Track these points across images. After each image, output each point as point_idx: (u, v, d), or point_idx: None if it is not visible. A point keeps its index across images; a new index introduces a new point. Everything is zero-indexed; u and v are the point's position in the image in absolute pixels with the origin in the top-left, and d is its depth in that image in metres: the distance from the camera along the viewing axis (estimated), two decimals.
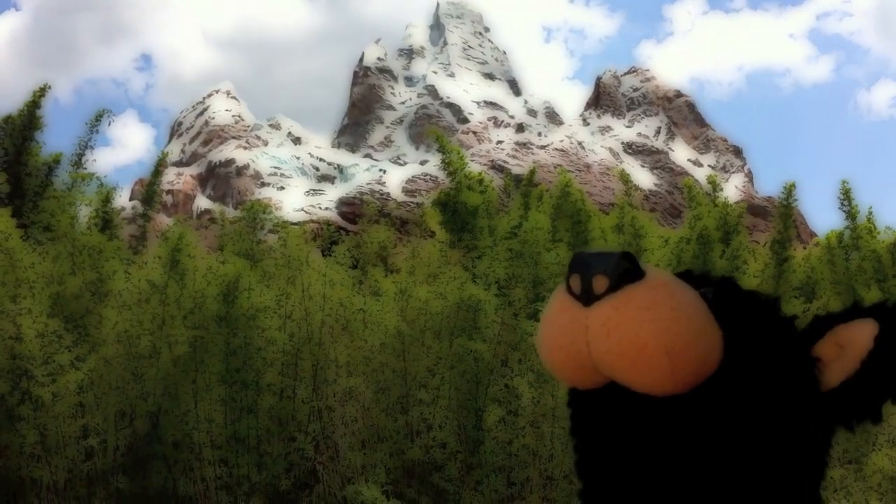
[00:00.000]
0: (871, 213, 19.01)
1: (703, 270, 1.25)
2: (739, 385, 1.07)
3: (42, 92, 19.46)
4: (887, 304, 1.14)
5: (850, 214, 18.96)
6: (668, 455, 1.08)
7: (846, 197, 19.05)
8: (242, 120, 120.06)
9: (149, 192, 22.75)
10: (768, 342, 1.11)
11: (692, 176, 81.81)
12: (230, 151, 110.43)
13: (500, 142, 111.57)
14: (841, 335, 1.14)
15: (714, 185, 23.50)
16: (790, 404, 1.09)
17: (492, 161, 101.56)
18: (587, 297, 1.04)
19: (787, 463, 1.09)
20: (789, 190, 18.65)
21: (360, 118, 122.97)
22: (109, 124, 20.98)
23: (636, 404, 1.07)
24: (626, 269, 1.03)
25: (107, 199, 17.82)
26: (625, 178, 26.28)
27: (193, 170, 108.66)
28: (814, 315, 1.19)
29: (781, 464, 1.09)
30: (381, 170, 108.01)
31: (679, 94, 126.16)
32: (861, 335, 1.12)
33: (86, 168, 19.16)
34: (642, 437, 1.10)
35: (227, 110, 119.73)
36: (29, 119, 19.03)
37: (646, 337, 1.01)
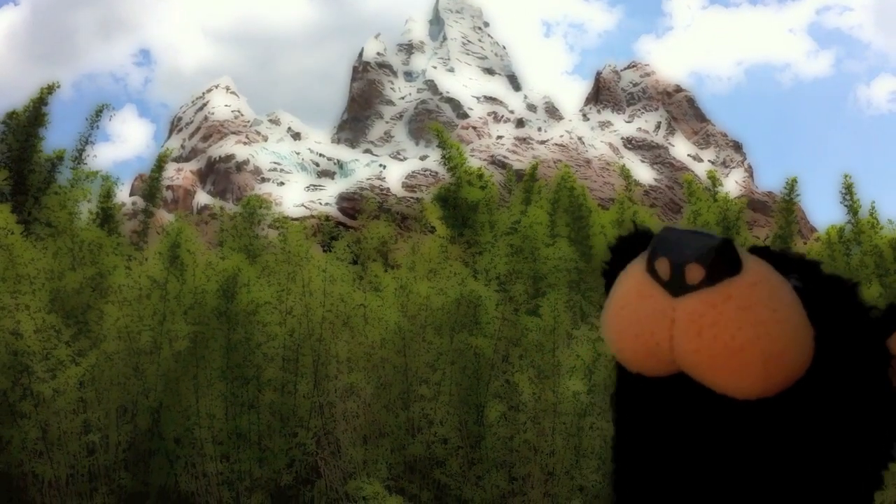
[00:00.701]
0: (873, 207, 18.89)
1: (782, 249, 1.13)
2: (828, 389, 0.99)
3: (50, 89, 19.56)
4: None
5: (852, 209, 18.84)
6: (734, 455, 1.00)
7: (848, 191, 18.93)
8: (242, 115, 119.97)
9: (151, 187, 22.77)
10: (857, 339, 1.01)
11: (692, 171, 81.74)
12: (230, 147, 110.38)
13: (499, 137, 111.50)
14: None
15: (714, 180, 23.47)
16: (870, 406, 1.01)
17: (492, 156, 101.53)
18: (677, 287, 0.94)
19: (852, 466, 1.02)
20: (791, 185, 18.65)
21: (359, 113, 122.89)
22: (110, 119, 20.96)
23: (709, 400, 0.98)
24: (727, 260, 0.93)
25: (108, 195, 17.83)
26: (625, 173, 26.25)
27: (193, 165, 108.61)
28: (889, 303, 1.08)
29: (846, 467, 1.01)
30: (380, 165, 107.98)
31: (679, 89, 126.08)
32: None
33: (86, 164, 19.20)
34: (709, 434, 1.01)
35: (226, 105, 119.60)
36: (34, 116, 19.09)
37: (743, 341, 0.92)
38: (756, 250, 1.07)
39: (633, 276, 0.99)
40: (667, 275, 0.94)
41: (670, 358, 0.96)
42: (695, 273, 0.93)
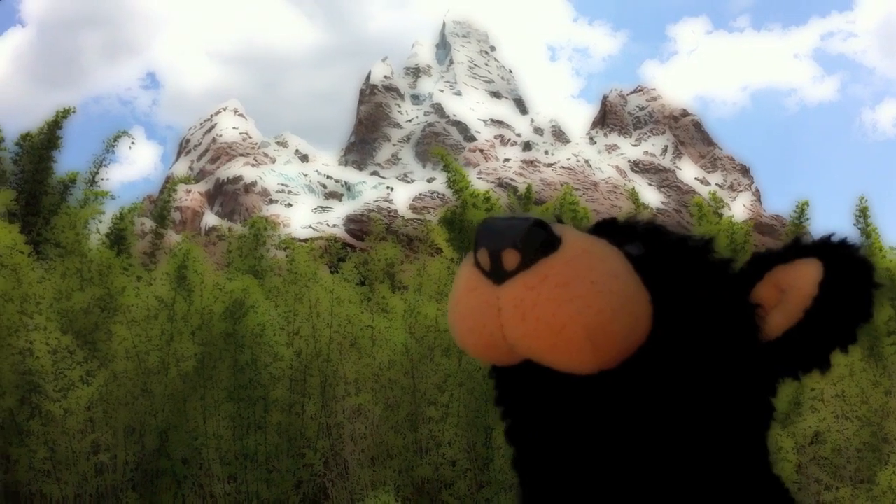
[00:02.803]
0: (875, 231, 18.80)
1: (629, 217, 1.11)
2: (671, 353, 0.96)
3: (65, 113, 19.89)
4: (832, 241, 1.01)
5: (866, 232, 18.72)
6: (600, 429, 0.98)
7: (862, 214, 18.77)
8: (250, 137, 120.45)
9: (161, 209, 22.91)
10: (700, 298, 0.99)
11: (699, 195, 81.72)
12: (238, 168, 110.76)
13: (506, 160, 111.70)
14: (781, 277, 1.02)
15: (717, 201, 23.44)
16: (730, 360, 0.98)
17: (499, 179, 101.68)
18: (498, 275, 0.93)
19: (730, 420, 0.99)
20: (802, 208, 18.62)
21: (367, 136, 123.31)
22: (130, 147, 21.36)
23: (560, 381, 0.96)
24: (540, 240, 0.92)
25: (122, 217, 17.98)
26: (634, 196, 26.32)
27: (201, 187, 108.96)
28: (752, 254, 1.06)
29: (723, 422, 0.98)
30: (388, 187, 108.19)
31: (685, 113, 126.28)
32: (804, 279, 1.00)
33: (99, 185, 19.36)
34: (569, 413, 0.99)
35: (234, 128, 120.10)
36: (48, 138, 19.34)
37: (564, 318, 0.90)
38: (602, 224, 1.09)
39: (463, 270, 0.98)
40: (487, 265, 0.93)
41: (509, 347, 0.94)
42: (511, 258, 0.92)
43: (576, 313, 0.90)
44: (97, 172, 19.66)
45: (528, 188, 24.28)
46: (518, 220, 0.93)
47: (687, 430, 0.98)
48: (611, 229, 1.07)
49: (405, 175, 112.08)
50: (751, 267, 1.05)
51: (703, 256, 1.05)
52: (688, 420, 0.98)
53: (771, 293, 1.02)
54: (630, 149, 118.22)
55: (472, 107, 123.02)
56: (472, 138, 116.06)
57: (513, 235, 0.91)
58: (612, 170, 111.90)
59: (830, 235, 1.03)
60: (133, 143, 21.32)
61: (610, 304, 0.91)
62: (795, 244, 1.04)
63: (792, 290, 1.01)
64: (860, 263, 1.00)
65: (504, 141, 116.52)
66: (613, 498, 0.99)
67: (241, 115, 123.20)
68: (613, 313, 0.91)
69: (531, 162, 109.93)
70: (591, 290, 0.91)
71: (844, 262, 1.00)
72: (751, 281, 1.03)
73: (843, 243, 1.02)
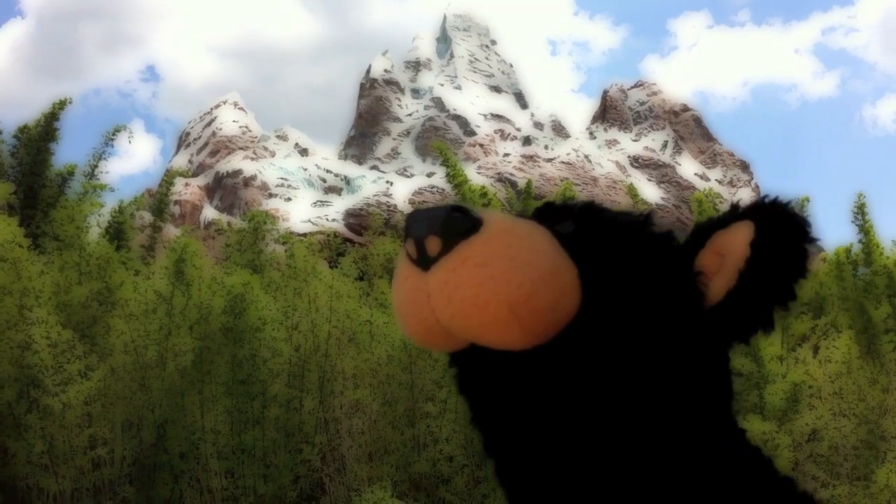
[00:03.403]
0: (873, 227, 18.78)
1: (566, 200, 1.16)
2: (603, 324, 0.97)
3: (62, 105, 19.82)
4: (764, 203, 1.04)
5: (864, 229, 18.70)
6: (546, 404, 1.00)
7: (860, 211, 18.78)
8: (250, 131, 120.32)
9: (160, 203, 22.88)
10: (632, 269, 1.01)
11: (699, 190, 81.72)
12: (237, 162, 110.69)
13: (506, 154, 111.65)
14: (720, 243, 1.04)
15: (713, 197, 23.44)
16: (669, 327, 1.00)
17: (499, 174, 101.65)
18: (423, 261, 0.97)
19: (680, 388, 1.00)
20: (801, 205, 18.60)
21: (366, 130, 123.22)
22: (129, 142, 21.20)
23: (503, 360, 0.99)
24: (460, 224, 0.95)
25: (121, 210, 17.95)
26: (632, 192, 26.32)
27: (201, 180, 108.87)
28: (694, 225, 1.09)
29: (672, 391, 0.99)
30: (387, 181, 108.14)
31: (686, 108, 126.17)
32: (738, 241, 1.03)
33: (98, 179, 19.31)
34: (516, 391, 1.01)
35: (234, 121, 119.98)
36: (45, 130, 19.28)
37: (486, 296, 0.93)
38: (540, 208, 1.11)
39: (398, 261, 1.02)
40: (414, 253, 0.97)
41: (443, 330, 0.97)
42: (433, 245, 0.95)
43: (497, 290, 0.93)
44: (96, 165, 19.60)
45: (529, 183, 24.28)
46: (439, 208, 0.97)
47: (635, 400, 0.98)
48: (548, 213, 1.09)
49: (405, 169, 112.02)
50: (693, 237, 1.08)
51: (639, 230, 1.06)
52: (634, 389, 0.98)
53: (712, 259, 1.04)
54: (630, 144, 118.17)
55: (472, 101, 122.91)
56: (472, 133, 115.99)
57: (434, 223, 0.95)
58: (612, 165, 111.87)
59: (765, 197, 1.06)
60: (132, 137, 21.25)
61: (530, 278, 0.94)
62: (732, 209, 1.07)
63: (729, 254, 1.03)
64: (790, 220, 1.03)
65: (504, 135, 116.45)
66: (576, 473, 1.01)
67: (241, 108, 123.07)
68: (534, 286, 0.94)
69: (531, 157, 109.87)
70: (510, 266, 0.94)
71: (774, 221, 1.03)
72: (693, 250, 1.06)
73: (774, 203, 1.05)
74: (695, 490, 0.98)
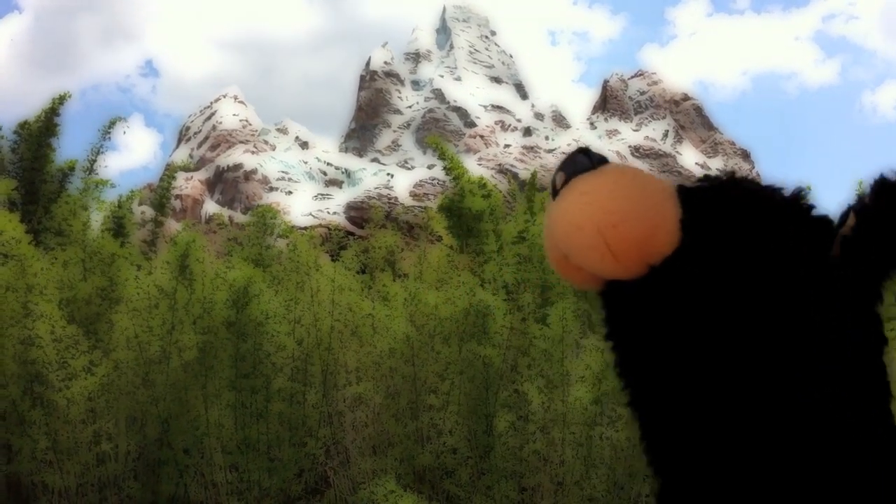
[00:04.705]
0: None
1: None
2: (697, 266, 1.03)
3: (62, 100, 19.87)
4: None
5: None
6: (662, 342, 1.05)
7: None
8: (250, 124, 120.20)
9: (161, 197, 22.89)
10: (738, 223, 1.06)
11: None
12: (238, 156, 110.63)
13: (507, 146, 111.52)
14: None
15: None
16: (778, 284, 1.02)
17: (499, 165, 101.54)
18: (554, 194, 1.08)
19: (811, 350, 1.00)
20: (804, 192, 18.60)
21: (367, 122, 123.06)
22: (124, 133, 21.20)
23: (628, 297, 1.07)
24: (579, 163, 1.06)
25: (120, 205, 17.95)
26: None
27: (201, 174, 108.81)
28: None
29: (800, 349, 1.00)
30: (388, 174, 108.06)
31: (686, 98, 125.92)
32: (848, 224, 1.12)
33: (97, 173, 19.32)
34: (637, 329, 1.08)
35: (234, 115, 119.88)
36: (46, 126, 19.31)
37: (581, 218, 1.03)
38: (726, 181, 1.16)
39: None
40: (551, 188, 1.09)
41: (564, 256, 1.08)
42: (559, 179, 1.08)
43: (591, 214, 1.03)
44: (95, 160, 19.63)
45: (533, 175, 24.18)
46: (574, 151, 1.09)
47: (746, 348, 1.00)
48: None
49: (405, 162, 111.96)
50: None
51: (768, 199, 1.12)
52: (739, 336, 1.00)
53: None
54: (631, 134, 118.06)
55: (472, 92, 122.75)
56: (472, 124, 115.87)
57: (563, 162, 1.09)
58: (613, 155, 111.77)
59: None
60: (127, 129, 21.24)
61: (621, 207, 1.03)
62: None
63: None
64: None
65: (504, 127, 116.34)
66: (709, 426, 1.03)
67: (241, 102, 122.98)
68: (625, 215, 1.02)
69: (531, 148, 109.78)
70: (609, 196, 1.04)
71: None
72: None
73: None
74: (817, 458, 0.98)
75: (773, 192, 1.13)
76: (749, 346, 1.00)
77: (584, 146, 1.09)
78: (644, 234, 1.02)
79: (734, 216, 1.05)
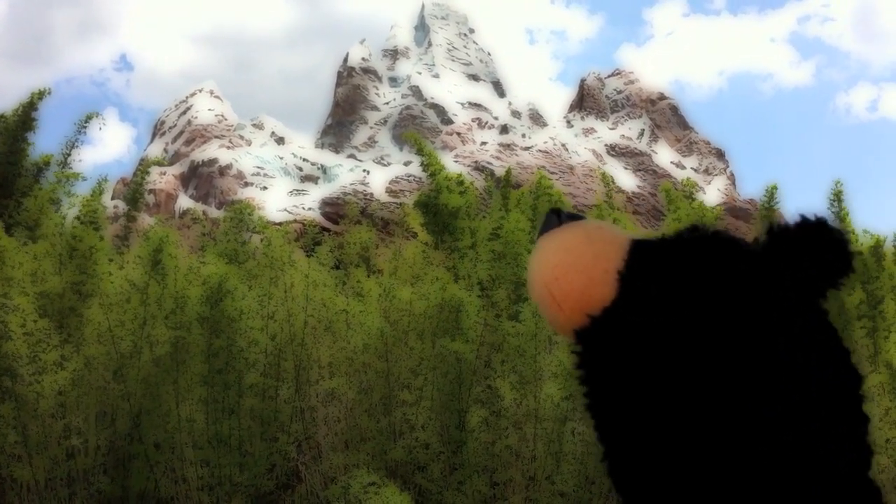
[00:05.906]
0: (848, 214, 18.85)
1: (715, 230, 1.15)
2: (636, 314, 1.03)
3: (41, 95, 19.86)
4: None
5: (840, 216, 18.74)
6: (601, 392, 1.07)
7: (836, 198, 18.74)
8: (226, 119, 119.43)
9: (134, 192, 22.74)
10: (679, 278, 1.03)
11: (675, 178, 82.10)
12: (213, 151, 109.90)
13: (483, 143, 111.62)
14: None
15: (690, 185, 23.52)
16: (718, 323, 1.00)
17: (476, 162, 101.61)
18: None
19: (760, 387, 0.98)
20: (771, 192, 18.77)
21: (343, 118, 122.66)
22: (100, 129, 21.07)
23: (584, 345, 1.09)
24: (548, 222, 1.12)
25: (92, 198, 17.80)
26: (606, 180, 26.39)
27: (176, 169, 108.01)
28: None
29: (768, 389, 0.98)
30: (364, 170, 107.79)
31: (662, 97, 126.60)
32: None
33: (71, 167, 19.21)
34: (600, 376, 1.08)
35: (209, 109, 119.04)
36: (23, 120, 19.25)
37: (534, 274, 1.10)
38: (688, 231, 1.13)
39: None
40: None
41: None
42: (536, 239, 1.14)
43: (539, 269, 1.10)
44: (69, 154, 19.55)
45: (508, 172, 24.31)
46: (549, 210, 1.15)
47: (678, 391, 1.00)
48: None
49: (382, 158, 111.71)
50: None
51: (707, 246, 1.07)
52: (676, 380, 1.00)
53: None
54: (607, 132, 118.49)
55: (449, 89, 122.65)
56: (449, 121, 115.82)
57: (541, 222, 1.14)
58: (589, 153, 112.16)
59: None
60: (103, 124, 21.14)
61: (563, 260, 1.08)
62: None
63: None
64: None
65: (481, 124, 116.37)
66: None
67: (216, 96, 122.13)
68: (566, 268, 1.07)
69: (508, 145, 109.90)
70: (554, 249, 1.09)
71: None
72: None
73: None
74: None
75: (744, 253, 1.07)
76: (696, 399, 1.00)
77: (556, 207, 1.17)
78: (582, 284, 1.06)
79: (677, 271, 1.05)
